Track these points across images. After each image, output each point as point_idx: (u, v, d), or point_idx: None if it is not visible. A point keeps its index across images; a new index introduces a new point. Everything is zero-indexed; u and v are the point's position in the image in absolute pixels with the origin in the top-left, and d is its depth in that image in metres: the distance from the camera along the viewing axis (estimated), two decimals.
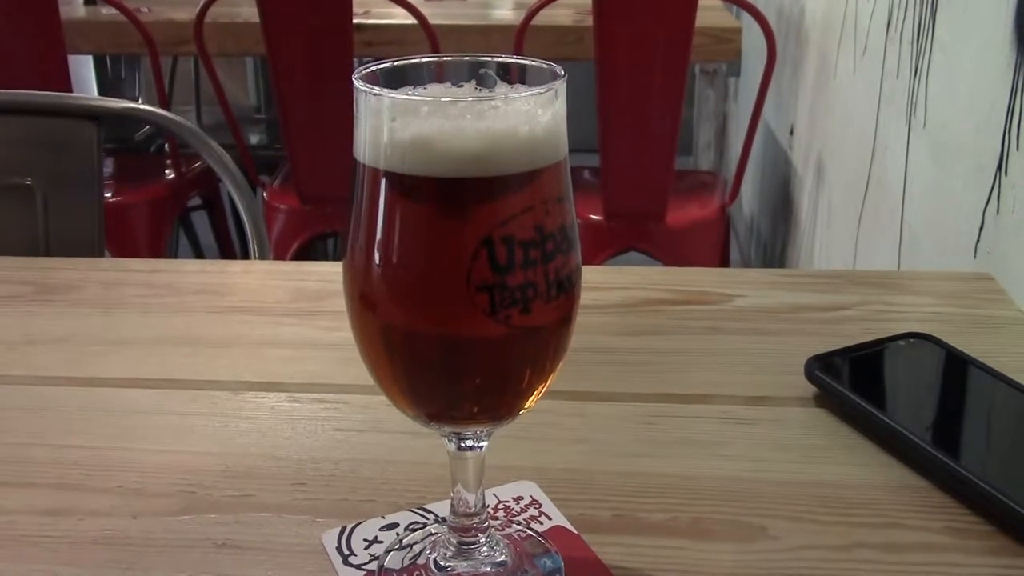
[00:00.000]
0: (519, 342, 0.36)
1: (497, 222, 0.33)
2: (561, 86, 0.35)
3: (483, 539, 0.42)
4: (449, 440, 0.40)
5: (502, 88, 0.36)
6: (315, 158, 1.76)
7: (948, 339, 0.58)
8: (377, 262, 0.35)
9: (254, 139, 2.71)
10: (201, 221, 2.20)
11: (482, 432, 0.40)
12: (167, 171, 1.96)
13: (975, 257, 1.00)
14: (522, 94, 0.34)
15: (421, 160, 0.33)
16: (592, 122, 1.71)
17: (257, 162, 1.90)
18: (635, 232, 1.82)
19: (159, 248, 1.85)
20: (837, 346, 0.58)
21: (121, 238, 1.82)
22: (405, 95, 0.34)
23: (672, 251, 1.80)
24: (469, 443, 0.40)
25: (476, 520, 0.42)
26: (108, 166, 2.09)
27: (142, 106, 0.85)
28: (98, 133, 0.87)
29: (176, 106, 2.58)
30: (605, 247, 1.81)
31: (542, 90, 0.34)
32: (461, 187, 0.33)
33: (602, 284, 0.70)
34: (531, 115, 0.34)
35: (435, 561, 0.42)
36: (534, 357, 0.37)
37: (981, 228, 0.99)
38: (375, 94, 0.34)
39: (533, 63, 0.37)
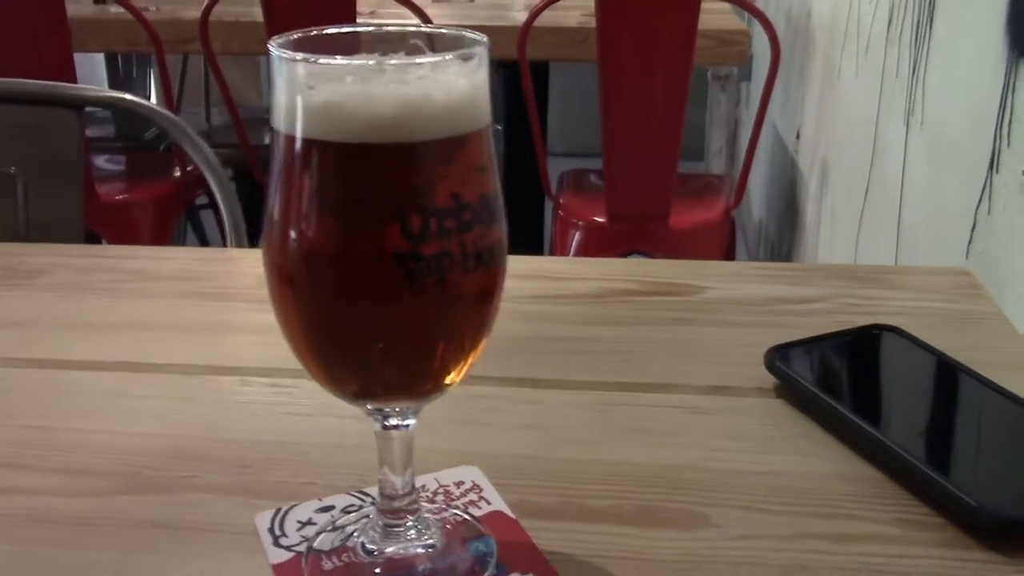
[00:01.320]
0: (436, 314, 0.35)
1: (411, 190, 0.33)
2: (483, 53, 0.34)
3: (411, 521, 0.41)
4: (375, 419, 0.40)
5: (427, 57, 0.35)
6: None
7: (919, 333, 0.57)
8: (292, 233, 0.34)
9: (266, 139, 2.72)
10: (209, 219, 2.21)
11: (407, 409, 0.39)
12: (174, 170, 1.97)
13: (967, 258, 0.99)
14: (435, 58, 0.34)
15: (333, 125, 0.33)
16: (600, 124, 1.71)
17: (263, 162, 1.90)
18: (638, 234, 1.81)
19: (162, 244, 1.86)
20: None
21: (124, 235, 1.82)
22: (319, 61, 0.33)
23: (675, 253, 1.79)
24: (394, 421, 0.40)
25: (406, 502, 0.41)
26: (117, 163, 2.10)
27: (124, 95, 0.85)
28: (80, 122, 0.87)
29: (186, 106, 2.59)
30: (608, 249, 1.80)
31: (456, 55, 0.33)
32: (374, 153, 0.33)
33: (572, 275, 0.69)
34: (448, 82, 0.33)
35: (363, 544, 0.42)
36: (452, 331, 0.36)
37: (973, 228, 0.98)
38: (290, 59, 0.33)
39: (462, 34, 0.36)
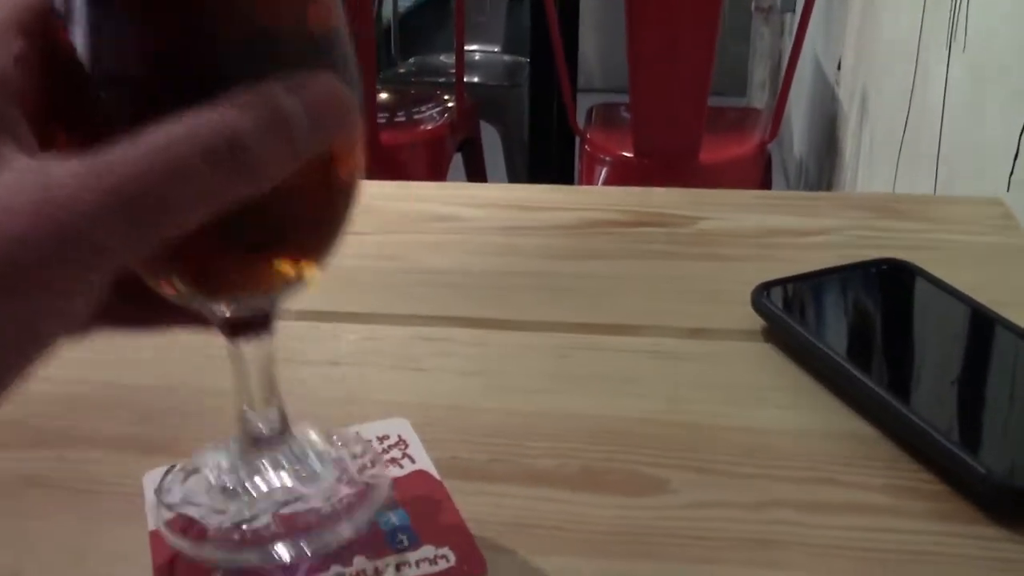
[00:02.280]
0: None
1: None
2: None
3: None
4: (226, 336, 0.34)
5: None
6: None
7: (937, 269, 0.50)
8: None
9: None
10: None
11: (253, 308, 0.33)
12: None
13: (1008, 190, 0.90)
14: None
15: None
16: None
17: None
18: (667, 169, 1.73)
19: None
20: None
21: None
22: None
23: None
24: (243, 332, 0.33)
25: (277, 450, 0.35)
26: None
27: None
28: None
29: None
30: (635, 186, 1.72)
31: None
32: None
33: (550, 204, 0.62)
34: None
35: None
36: (288, 189, 0.29)
37: (1016, 157, 0.89)
38: None
39: None
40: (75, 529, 0.37)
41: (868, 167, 1.62)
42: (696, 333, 0.48)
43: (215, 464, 0.39)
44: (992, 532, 0.36)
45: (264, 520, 0.36)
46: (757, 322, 0.48)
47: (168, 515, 0.37)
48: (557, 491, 0.38)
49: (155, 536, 0.36)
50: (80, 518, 0.37)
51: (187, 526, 0.36)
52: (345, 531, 0.35)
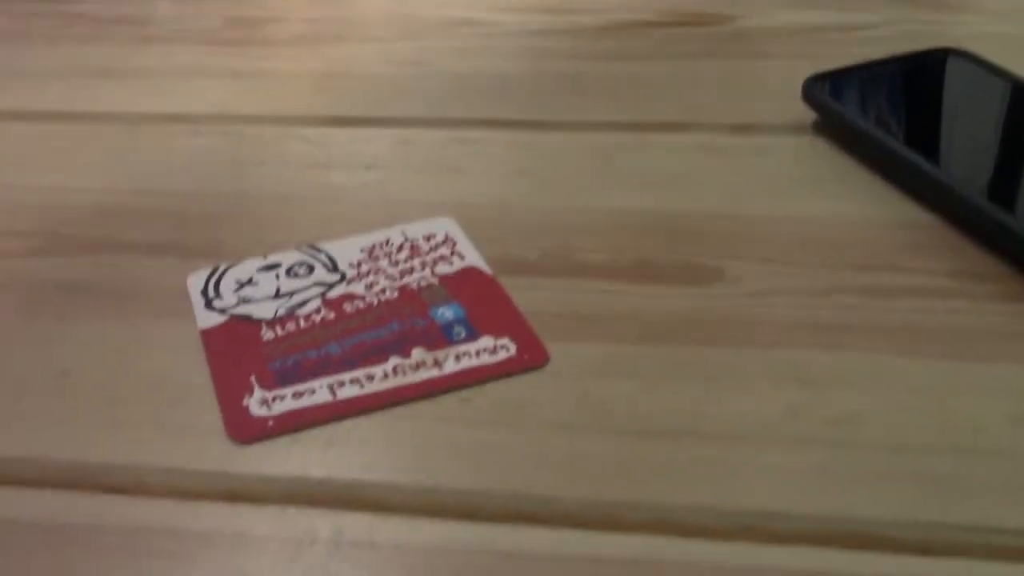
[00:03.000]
0: None
1: None
2: None
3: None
4: None
5: None
6: None
7: (996, 58, 0.47)
8: None
9: None
10: None
11: None
12: None
13: None
14: None
15: None
16: None
17: None
18: None
19: None
20: None
21: None
22: None
23: None
24: None
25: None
26: None
27: None
28: None
29: None
30: None
31: None
32: None
33: (577, 6, 0.59)
34: None
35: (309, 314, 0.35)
36: None
37: None
38: None
39: None
40: (122, 330, 0.36)
41: None
42: (743, 129, 0.46)
43: (257, 265, 0.38)
44: None
45: (314, 304, 0.36)
46: (806, 116, 0.46)
47: (218, 315, 0.36)
48: (613, 283, 0.37)
49: (207, 334, 0.35)
50: (126, 320, 0.36)
51: (239, 323, 0.35)
52: (396, 323, 0.34)
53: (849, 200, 0.41)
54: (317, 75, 0.53)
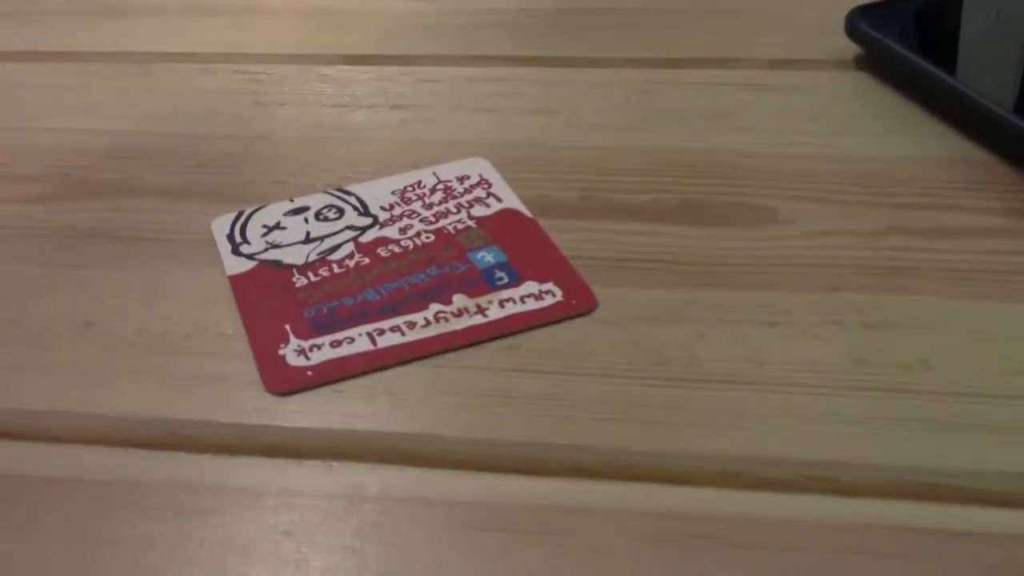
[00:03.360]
0: None
1: None
2: None
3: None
4: None
5: None
6: None
7: None
8: None
9: None
10: None
11: None
12: None
13: None
14: None
15: None
16: None
17: None
18: None
19: None
20: None
21: None
22: None
23: None
24: None
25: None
26: None
27: None
28: None
29: None
30: None
31: None
32: None
33: None
34: None
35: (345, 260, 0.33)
36: None
37: None
38: None
39: None
40: (146, 276, 0.34)
41: None
42: (783, 64, 0.44)
43: (282, 208, 0.36)
44: None
45: (347, 249, 0.34)
46: (849, 51, 0.44)
47: (247, 260, 0.34)
48: (658, 225, 0.35)
49: (236, 280, 0.33)
50: (149, 267, 0.35)
51: (269, 269, 0.34)
52: (435, 267, 0.33)
53: (900, 137, 0.39)
54: (333, 12, 0.51)
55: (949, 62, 0.41)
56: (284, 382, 0.29)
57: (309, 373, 0.30)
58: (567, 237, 0.35)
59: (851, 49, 0.44)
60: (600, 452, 0.27)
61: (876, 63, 0.43)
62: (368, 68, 0.46)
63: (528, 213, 0.36)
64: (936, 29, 0.44)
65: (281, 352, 0.30)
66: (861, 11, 0.44)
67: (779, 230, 0.35)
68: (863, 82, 0.43)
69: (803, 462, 0.27)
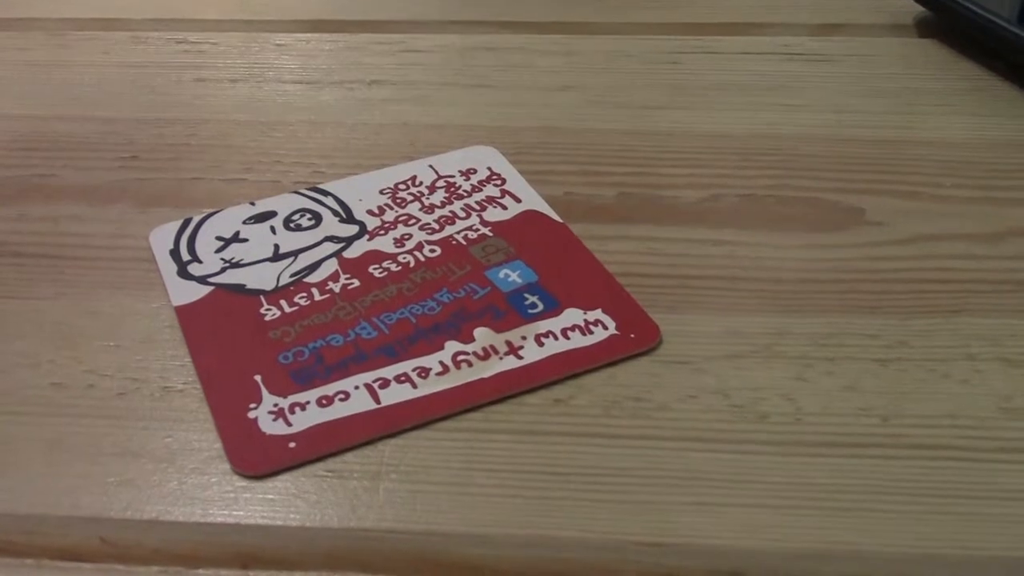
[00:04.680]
0: None
1: None
2: None
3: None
4: None
5: None
6: None
7: None
8: None
9: None
10: None
11: None
12: None
13: None
14: None
15: None
16: None
17: None
18: None
19: None
20: None
21: None
22: None
23: None
24: None
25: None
26: None
27: None
28: None
29: None
30: None
31: None
32: None
33: None
34: None
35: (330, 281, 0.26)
36: None
37: None
38: None
39: None
40: (64, 310, 0.26)
41: None
42: (834, 29, 0.37)
43: (242, 214, 0.29)
44: None
45: (330, 268, 0.26)
46: (909, 13, 0.38)
47: (198, 285, 0.26)
48: (717, 230, 0.28)
49: (185, 313, 0.25)
50: (68, 295, 0.27)
51: (228, 296, 0.26)
52: (446, 291, 0.25)
53: (990, 116, 0.33)
54: None
55: None
56: (259, 460, 0.22)
57: (292, 445, 0.22)
58: (607, 248, 0.28)
59: (911, 11, 0.38)
60: (699, 554, 0.20)
61: (945, 27, 0.37)
62: (335, 36, 0.38)
63: (556, 216, 0.28)
64: None
65: (252, 415, 0.23)
66: None
67: (870, 234, 0.28)
68: (931, 50, 0.36)
69: (957, 559, 0.20)
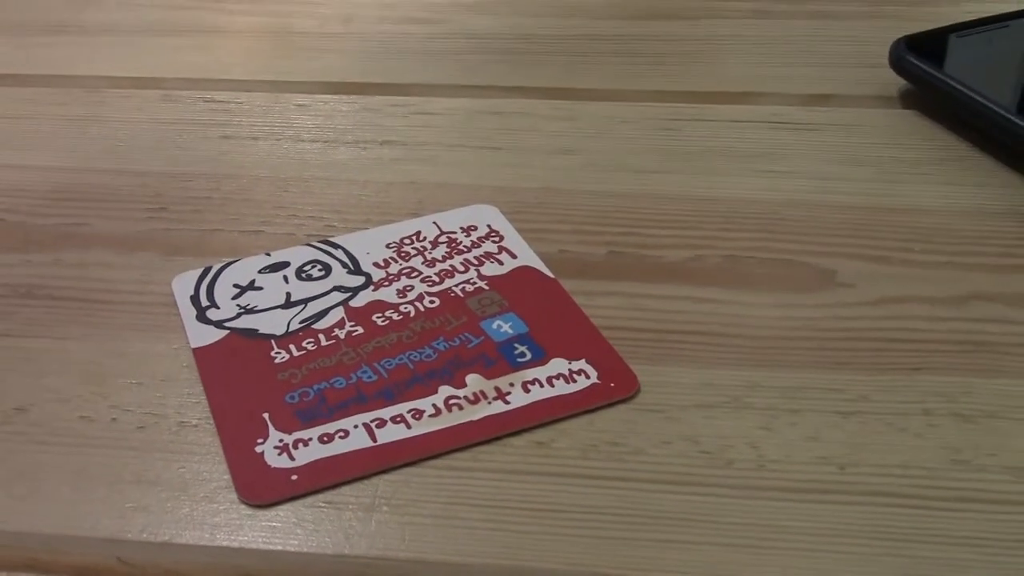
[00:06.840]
0: None
1: None
2: None
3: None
4: None
5: None
6: None
7: None
8: None
9: None
10: None
11: None
12: None
13: None
14: None
15: None
16: None
17: None
18: None
19: None
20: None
21: None
22: None
23: None
24: None
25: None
26: None
27: None
28: None
29: None
30: None
31: None
32: None
33: None
34: None
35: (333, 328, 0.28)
36: None
37: None
38: None
39: None
40: (93, 349, 0.28)
41: None
42: (822, 100, 0.40)
43: (258, 263, 0.31)
44: None
45: (336, 315, 0.28)
46: (893, 85, 0.40)
47: (215, 329, 0.29)
48: (700, 288, 0.30)
49: (202, 354, 0.28)
50: (95, 337, 0.29)
51: (242, 340, 0.28)
52: (443, 340, 0.27)
53: (963, 185, 0.35)
54: (311, 34, 0.46)
55: (1012, 98, 0.36)
56: (264, 490, 0.24)
57: (294, 478, 0.24)
58: (595, 303, 0.30)
59: (895, 84, 0.40)
60: None
61: (926, 100, 0.39)
62: (353, 98, 0.41)
63: (549, 272, 0.31)
64: (995, 60, 0.39)
65: (259, 449, 0.25)
66: (907, 42, 0.39)
67: (840, 295, 0.30)
68: (913, 121, 0.38)
69: None
